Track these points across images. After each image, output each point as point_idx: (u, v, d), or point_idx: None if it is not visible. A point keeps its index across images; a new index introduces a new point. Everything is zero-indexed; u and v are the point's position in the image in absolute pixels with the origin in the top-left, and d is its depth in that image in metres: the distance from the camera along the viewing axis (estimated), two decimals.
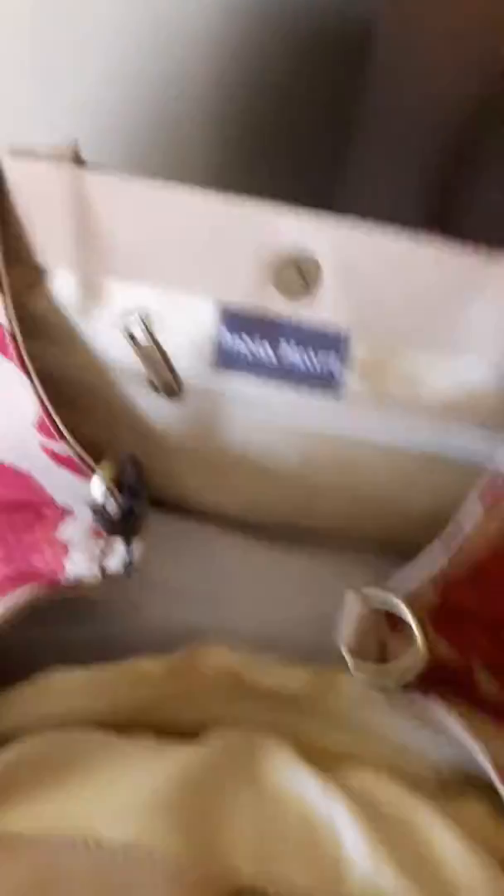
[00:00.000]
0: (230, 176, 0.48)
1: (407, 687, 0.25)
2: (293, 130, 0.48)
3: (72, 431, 0.26)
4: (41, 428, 0.26)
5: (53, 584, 0.26)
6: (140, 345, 0.27)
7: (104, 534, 0.27)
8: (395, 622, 0.25)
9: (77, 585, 0.26)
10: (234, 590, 0.32)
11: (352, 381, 0.27)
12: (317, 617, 0.29)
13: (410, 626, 0.25)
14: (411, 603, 0.25)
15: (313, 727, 0.28)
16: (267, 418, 0.29)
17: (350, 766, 0.26)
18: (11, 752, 0.25)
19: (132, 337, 0.27)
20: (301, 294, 0.26)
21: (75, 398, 0.29)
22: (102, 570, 0.26)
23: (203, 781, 0.24)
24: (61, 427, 0.26)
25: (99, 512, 0.26)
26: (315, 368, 0.27)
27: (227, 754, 0.26)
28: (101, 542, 0.27)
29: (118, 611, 0.31)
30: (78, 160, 0.26)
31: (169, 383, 0.28)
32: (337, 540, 0.34)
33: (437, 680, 0.25)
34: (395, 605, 0.25)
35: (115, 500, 0.26)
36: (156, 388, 0.28)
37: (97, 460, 0.28)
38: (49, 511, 0.29)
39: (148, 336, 0.27)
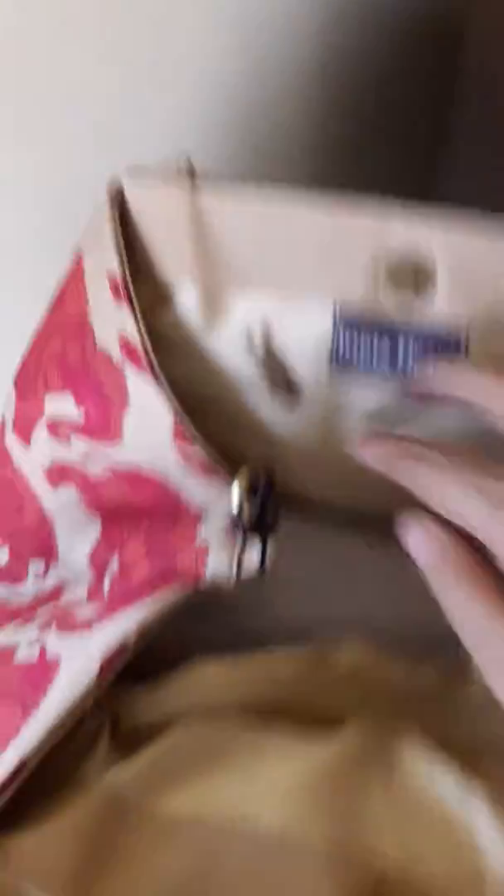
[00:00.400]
0: (330, 175, 0.49)
1: None
2: (391, 131, 0.48)
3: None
4: (177, 434, 0.28)
5: (197, 581, 0.27)
6: (260, 352, 0.28)
7: (240, 535, 0.28)
8: None
9: (216, 583, 0.27)
10: (358, 584, 0.32)
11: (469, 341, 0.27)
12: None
13: None
14: None
15: (443, 721, 0.28)
16: (383, 415, 0.29)
17: (481, 759, 0.26)
18: (167, 740, 0.27)
19: (252, 346, 0.28)
20: (417, 294, 0.27)
21: (198, 407, 0.30)
22: (240, 569, 0.27)
23: (344, 772, 0.25)
24: (194, 433, 0.27)
25: (235, 517, 0.27)
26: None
27: (365, 747, 0.26)
28: (238, 543, 0.28)
29: (249, 605, 0.32)
30: (192, 173, 0.27)
31: (288, 388, 0.29)
32: None
33: None
34: None
35: (250, 506, 0.27)
36: (275, 393, 0.29)
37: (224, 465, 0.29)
38: (185, 514, 0.31)
39: (268, 344, 0.28)
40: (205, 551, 0.28)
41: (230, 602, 0.30)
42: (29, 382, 0.31)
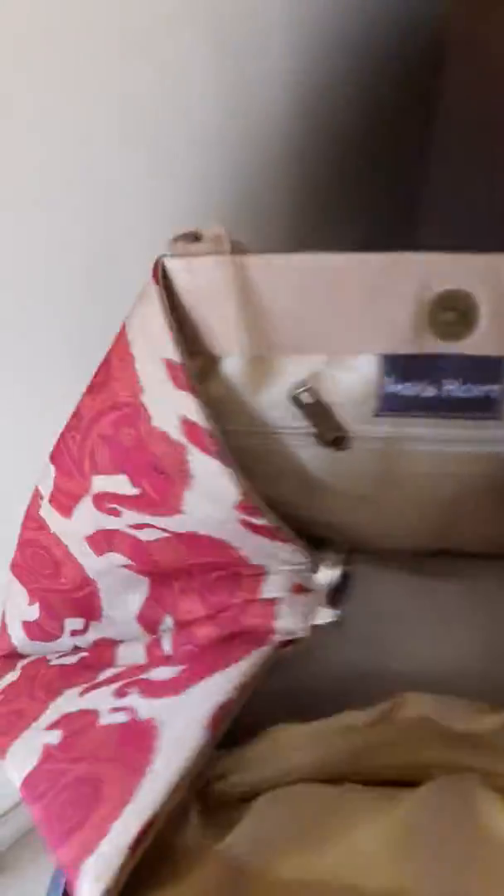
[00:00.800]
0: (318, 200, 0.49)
1: None
2: (374, 145, 0.48)
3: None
4: (241, 508, 0.28)
5: (270, 637, 0.28)
6: (309, 408, 0.29)
7: (306, 588, 0.29)
8: None
9: (290, 639, 0.28)
10: (406, 628, 0.34)
11: None
12: (488, 648, 0.32)
13: None
14: None
15: None
16: (428, 452, 0.31)
17: None
18: (266, 807, 0.28)
19: (301, 404, 0.29)
20: (459, 332, 0.27)
21: (251, 464, 0.31)
22: (310, 622, 0.28)
23: (430, 827, 0.26)
24: (261, 504, 0.28)
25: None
26: (475, 398, 0.29)
27: (444, 801, 0.27)
28: (306, 598, 0.29)
29: (303, 658, 0.32)
30: (235, 247, 0.27)
31: (336, 437, 0.30)
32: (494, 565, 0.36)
33: None
34: None
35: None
36: (324, 444, 0.30)
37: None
38: (245, 570, 0.32)
39: (316, 398, 0.29)
40: (272, 607, 0.29)
41: (302, 658, 0.31)
42: (72, 461, 0.30)
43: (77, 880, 0.23)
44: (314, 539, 0.34)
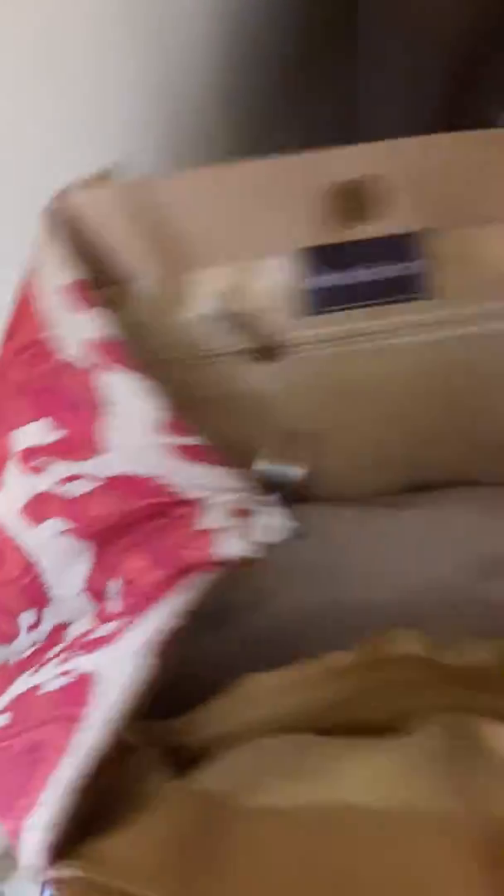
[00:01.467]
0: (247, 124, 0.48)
1: None
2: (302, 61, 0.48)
3: None
4: (167, 427, 0.27)
5: (213, 565, 0.26)
6: (229, 321, 0.28)
7: (246, 509, 0.27)
8: None
9: (237, 563, 0.26)
10: (366, 561, 0.32)
11: (439, 276, 0.28)
12: (455, 575, 0.31)
13: None
14: None
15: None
16: (370, 350, 0.29)
17: None
18: (247, 746, 0.25)
19: (221, 317, 0.28)
20: (366, 216, 0.27)
21: (184, 401, 0.29)
22: (256, 542, 0.26)
23: (439, 757, 0.24)
24: (184, 421, 0.26)
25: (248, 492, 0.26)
26: (397, 277, 0.28)
27: (451, 736, 0.25)
28: (250, 519, 0.27)
29: (254, 604, 0.31)
30: (126, 174, 0.27)
31: (266, 348, 0.29)
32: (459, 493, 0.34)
33: None
34: None
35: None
36: (255, 357, 0.29)
37: None
38: (182, 509, 0.30)
39: (236, 311, 0.28)
40: (213, 537, 0.27)
41: (235, 606, 0.30)
42: None
43: (20, 839, 0.21)
44: None
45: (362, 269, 0.28)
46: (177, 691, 0.30)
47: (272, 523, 0.26)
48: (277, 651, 0.30)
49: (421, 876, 0.20)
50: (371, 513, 0.34)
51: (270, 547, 0.26)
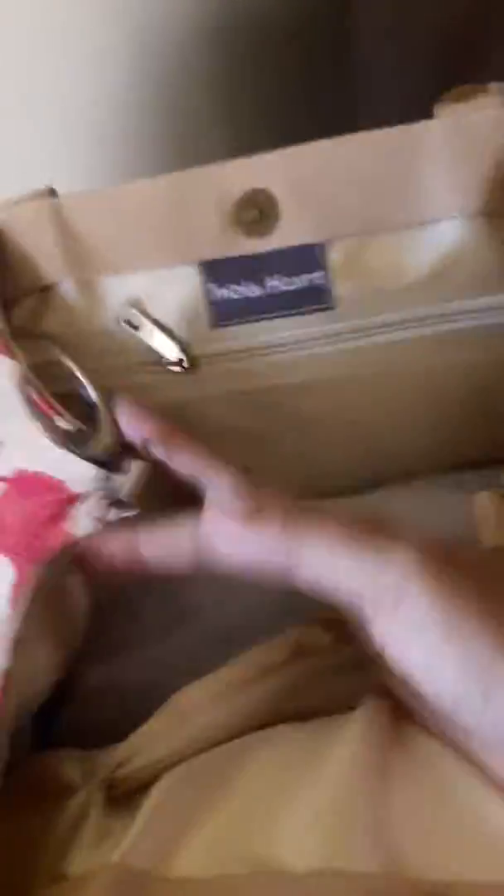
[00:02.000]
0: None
1: None
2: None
3: None
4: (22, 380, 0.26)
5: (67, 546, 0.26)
6: (143, 329, 0.29)
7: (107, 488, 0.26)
8: None
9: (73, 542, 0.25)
10: None
11: (340, 287, 0.27)
12: None
13: None
14: None
15: None
16: (284, 361, 0.29)
17: None
18: (161, 793, 0.25)
19: (133, 326, 0.29)
20: (266, 228, 0.27)
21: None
22: (101, 519, 0.25)
23: (363, 788, 0.23)
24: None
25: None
26: (301, 289, 0.28)
27: (371, 745, 0.24)
28: (105, 498, 0.26)
29: (220, 602, 0.31)
30: (53, 194, 0.28)
31: (181, 358, 0.29)
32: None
33: None
34: None
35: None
36: (168, 368, 0.29)
37: None
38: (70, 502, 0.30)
39: (148, 320, 0.28)
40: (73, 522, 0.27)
41: (222, 602, 0.30)
42: None
43: None
44: None
45: (265, 281, 0.28)
46: (144, 697, 0.30)
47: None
48: (244, 647, 0.30)
49: None
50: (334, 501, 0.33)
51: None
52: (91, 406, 0.28)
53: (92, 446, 0.26)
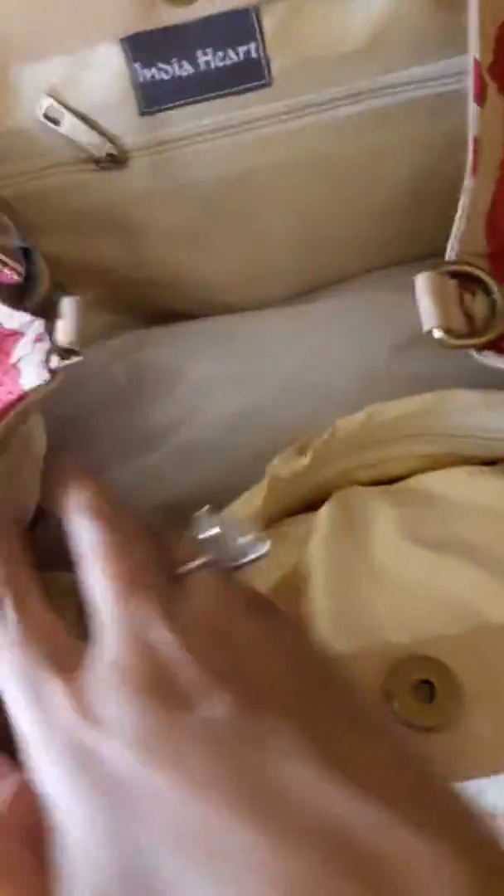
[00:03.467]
0: None
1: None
2: None
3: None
4: None
5: (12, 404, 0.25)
6: (63, 122, 0.26)
7: (43, 336, 0.25)
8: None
9: (29, 394, 0.25)
10: (278, 361, 0.32)
11: (275, 61, 0.26)
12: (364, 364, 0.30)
13: (485, 285, 0.26)
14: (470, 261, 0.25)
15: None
16: (220, 148, 0.28)
17: None
18: None
19: (54, 119, 0.26)
20: None
21: (33, 214, 0.28)
22: (51, 369, 0.25)
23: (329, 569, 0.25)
24: None
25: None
26: (236, 64, 0.26)
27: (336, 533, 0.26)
28: (45, 344, 0.25)
29: (180, 422, 0.31)
30: None
31: (110, 154, 0.27)
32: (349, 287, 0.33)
33: None
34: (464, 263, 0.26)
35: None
36: (100, 167, 0.27)
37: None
38: (7, 344, 0.29)
39: (69, 111, 0.26)
40: (17, 371, 0.26)
41: (182, 423, 0.30)
42: None
43: None
44: None
45: (196, 57, 0.25)
46: None
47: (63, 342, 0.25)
48: (206, 463, 0.31)
49: None
50: (278, 312, 0.33)
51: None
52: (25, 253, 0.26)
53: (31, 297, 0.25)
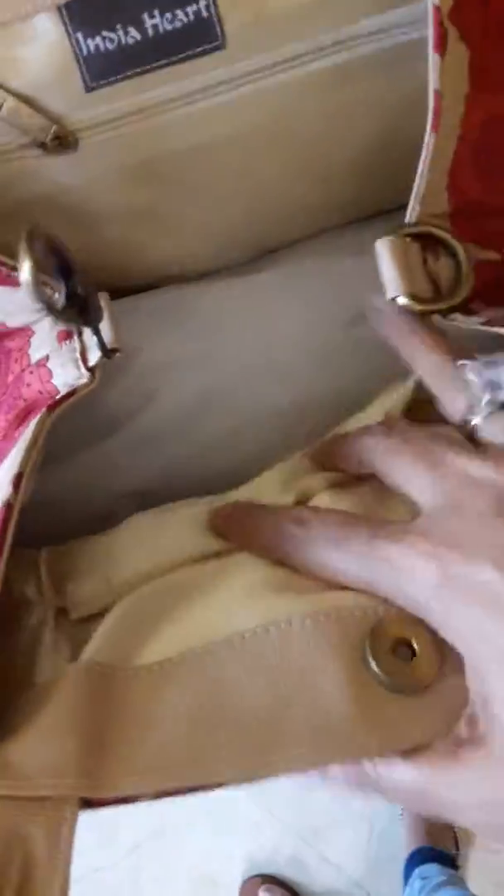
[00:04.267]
0: None
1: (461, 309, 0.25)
2: None
3: None
4: None
5: (57, 402, 0.24)
6: (3, 105, 0.24)
7: (72, 331, 0.25)
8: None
9: (76, 391, 0.24)
10: (235, 342, 0.31)
11: (227, 14, 0.24)
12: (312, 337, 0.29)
13: (448, 246, 0.25)
14: (429, 223, 0.25)
15: None
16: (175, 121, 0.26)
17: None
18: (128, 601, 0.25)
19: None
20: None
21: None
22: (87, 366, 0.24)
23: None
24: None
25: (48, 306, 0.24)
26: (186, 26, 0.24)
27: None
28: (74, 342, 0.25)
29: (138, 408, 0.30)
30: None
31: (56, 134, 0.25)
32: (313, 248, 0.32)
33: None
34: (425, 226, 0.25)
35: (50, 282, 0.24)
36: (48, 151, 0.25)
37: None
38: (12, 341, 0.27)
39: (4, 91, 0.24)
40: (45, 368, 0.25)
41: (122, 414, 0.29)
42: None
43: None
44: None
45: (143, 21, 0.23)
46: (69, 506, 0.30)
47: (94, 344, 0.25)
48: (164, 450, 0.30)
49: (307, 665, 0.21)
50: (231, 284, 0.32)
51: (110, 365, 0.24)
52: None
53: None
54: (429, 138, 0.24)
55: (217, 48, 0.24)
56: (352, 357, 0.30)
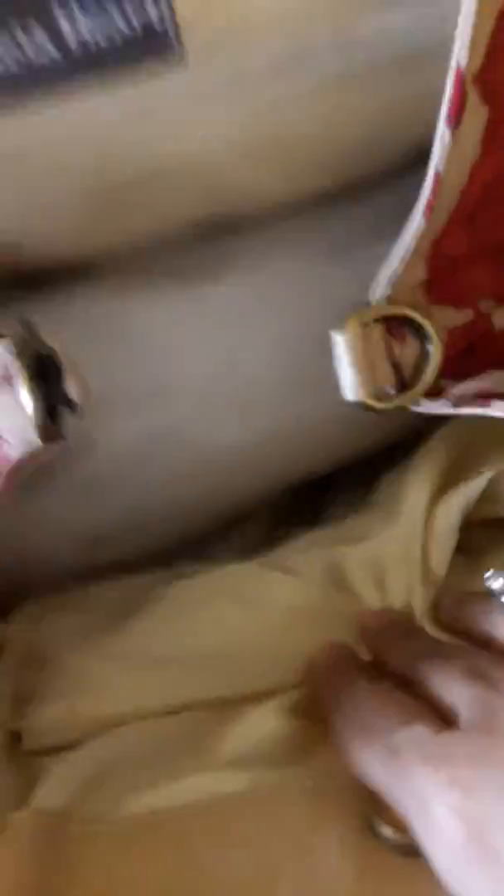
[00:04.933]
0: None
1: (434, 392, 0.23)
2: None
3: None
4: None
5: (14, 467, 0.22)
6: None
7: (11, 377, 0.21)
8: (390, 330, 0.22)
9: (31, 458, 0.22)
10: (188, 373, 0.26)
11: (183, 24, 0.18)
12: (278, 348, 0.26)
13: (415, 325, 0.22)
14: (399, 298, 0.22)
15: None
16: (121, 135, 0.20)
17: None
18: (99, 745, 0.23)
19: None
20: None
21: None
22: (41, 431, 0.21)
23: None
24: None
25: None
26: (135, 27, 0.18)
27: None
28: (14, 388, 0.21)
29: (84, 449, 0.26)
30: None
31: None
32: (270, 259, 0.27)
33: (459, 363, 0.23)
34: (398, 306, 0.22)
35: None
36: None
37: None
38: None
39: None
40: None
41: (85, 450, 0.26)
42: None
43: None
44: None
45: (81, 23, 0.18)
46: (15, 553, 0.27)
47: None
48: (111, 498, 0.27)
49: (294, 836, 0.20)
50: (182, 297, 0.26)
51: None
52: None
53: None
54: (419, 222, 0.20)
55: (171, 61, 0.18)
56: (321, 388, 0.24)
